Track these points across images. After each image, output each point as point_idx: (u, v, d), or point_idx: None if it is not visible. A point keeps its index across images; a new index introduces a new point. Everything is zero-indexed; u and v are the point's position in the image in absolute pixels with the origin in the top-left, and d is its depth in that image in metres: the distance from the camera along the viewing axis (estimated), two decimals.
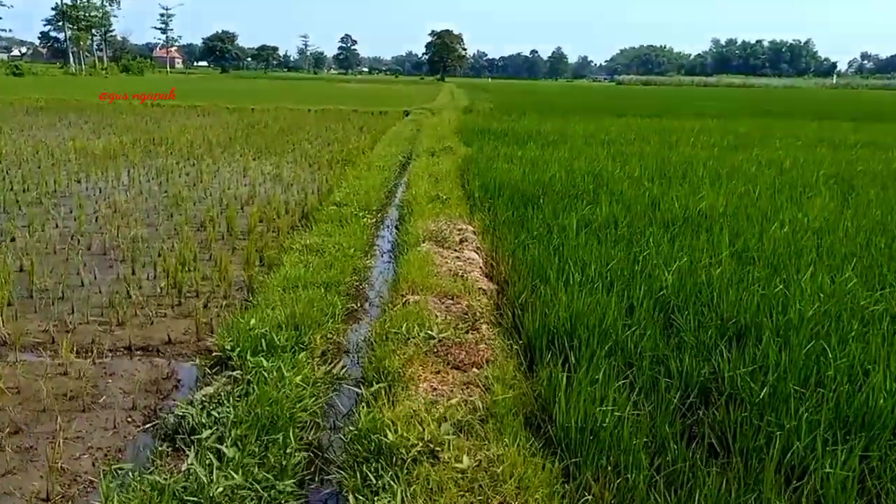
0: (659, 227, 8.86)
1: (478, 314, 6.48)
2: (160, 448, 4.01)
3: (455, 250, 8.87)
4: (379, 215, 11.49)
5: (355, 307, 7.22)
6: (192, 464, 3.50)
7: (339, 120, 29.92)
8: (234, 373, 4.82)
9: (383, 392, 4.69)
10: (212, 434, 3.87)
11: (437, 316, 6.31)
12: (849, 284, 6.37)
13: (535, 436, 4.19)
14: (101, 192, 12.92)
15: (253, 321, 5.39)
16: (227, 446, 3.72)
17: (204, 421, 4.07)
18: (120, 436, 4.59)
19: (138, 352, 6.13)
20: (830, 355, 4.71)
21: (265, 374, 4.62)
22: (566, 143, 18.72)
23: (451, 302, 6.81)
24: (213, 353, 5.37)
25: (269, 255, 8.49)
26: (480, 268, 8.32)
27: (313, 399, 4.68)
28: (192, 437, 3.90)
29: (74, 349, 5.92)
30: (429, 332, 5.80)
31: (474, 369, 5.32)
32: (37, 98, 38.89)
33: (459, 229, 9.78)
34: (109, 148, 18.21)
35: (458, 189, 12.47)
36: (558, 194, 11.12)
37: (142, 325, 6.63)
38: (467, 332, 6.06)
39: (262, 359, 4.83)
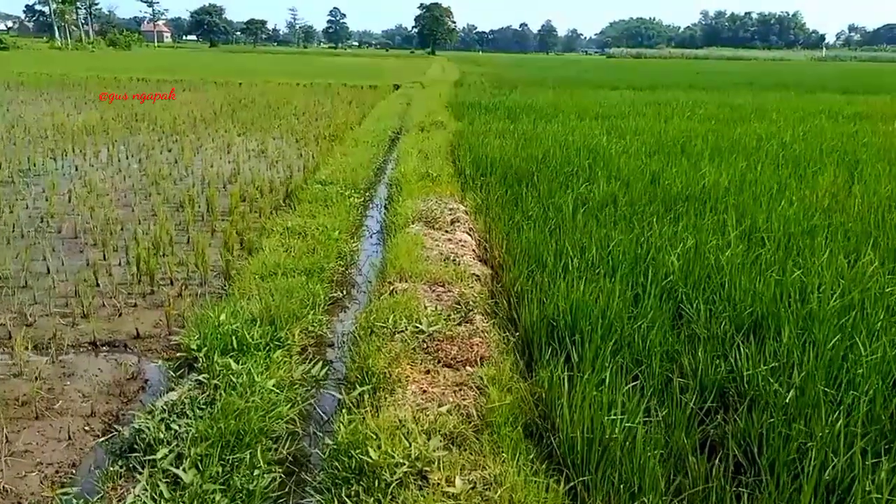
0: (660, 206, 8.40)
1: (471, 303, 6.01)
2: (112, 468, 3.54)
3: (446, 231, 8.40)
4: (367, 194, 10.98)
5: (339, 296, 6.75)
6: (137, 497, 3.04)
7: (328, 94, 29.22)
8: (201, 376, 4.34)
9: (366, 397, 4.25)
10: (169, 454, 3.41)
11: (427, 306, 5.85)
12: (869, 269, 5.93)
13: (536, 448, 3.75)
14: (77, 170, 12.35)
15: (223, 316, 4.91)
16: (184, 469, 3.27)
17: (162, 436, 3.61)
18: (75, 448, 4.12)
19: (104, 347, 5.66)
20: (862, 351, 4.27)
21: (234, 379, 4.15)
22: (559, 118, 18.17)
23: (442, 290, 6.34)
24: (180, 354, 4.89)
25: (250, 238, 7.99)
26: (473, 251, 7.85)
27: (289, 405, 4.22)
28: (146, 458, 3.44)
29: (32, 345, 5.45)
30: (417, 324, 5.35)
31: (467, 368, 4.86)
32: (18, 73, 37.94)
33: (451, 209, 9.29)
34: (89, 124, 17.57)
35: (448, 166, 11.96)
36: (553, 171, 10.63)
37: (109, 318, 6.15)
38: (460, 324, 5.60)
39: (231, 360, 4.35)
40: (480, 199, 9.55)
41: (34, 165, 12.36)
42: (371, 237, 9.01)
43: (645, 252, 6.53)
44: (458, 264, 7.09)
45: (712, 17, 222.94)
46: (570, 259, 6.28)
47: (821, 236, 6.99)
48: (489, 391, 4.33)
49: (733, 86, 36.04)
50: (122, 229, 8.81)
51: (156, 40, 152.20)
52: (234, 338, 4.70)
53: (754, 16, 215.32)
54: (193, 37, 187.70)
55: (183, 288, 6.86)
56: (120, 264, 7.50)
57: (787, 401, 3.87)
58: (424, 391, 4.48)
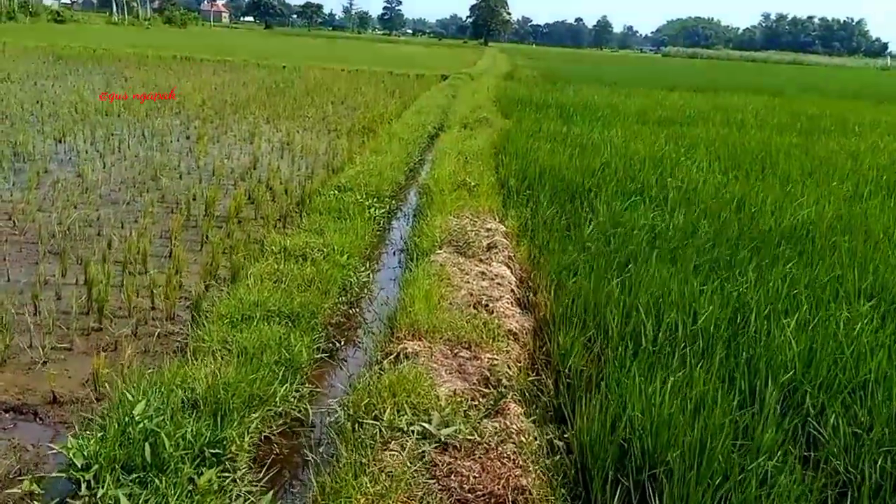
0: (752, 245, 6.65)
1: (504, 382, 4.41)
2: None
3: (480, 261, 6.79)
4: (392, 203, 9.40)
5: (331, 353, 5.19)
6: None
7: (371, 83, 27.70)
8: None
9: None
10: None
11: (443, 385, 4.26)
12: None
13: None
14: (78, 155, 11.01)
15: (141, 406, 3.36)
16: None
17: None
18: None
19: (7, 414, 4.20)
20: None
21: None
22: (617, 121, 16.35)
23: (466, 356, 4.74)
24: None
25: (237, 259, 6.46)
26: (512, 291, 6.23)
27: None
28: None
29: None
30: (426, 422, 3.75)
31: None
32: (63, 46, 37.22)
33: (488, 230, 7.68)
34: (109, 103, 16.31)
35: (490, 173, 10.31)
36: (614, 188, 8.93)
37: (29, 367, 4.70)
38: (487, 417, 4.01)
39: (123, 497, 2.80)
40: (525, 218, 7.92)
41: (30, 149, 11.04)
42: (388, 264, 7.43)
43: (742, 321, 4.84)
44: (492, 313, 5.50)
45: (773, 20, 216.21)
46: (643, 328, 4.62)
47: None
48: None
49: (801, 91, 33.56)
50: (98, 233, 7.39)
51: (212, 20, 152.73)
52: (146, 444, 3.15)
53: (816, 20, 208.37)
54: (250, 18, 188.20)
55: (139, 325, 5.38)
56: (77, 283, 6.05)
57: None
58: None
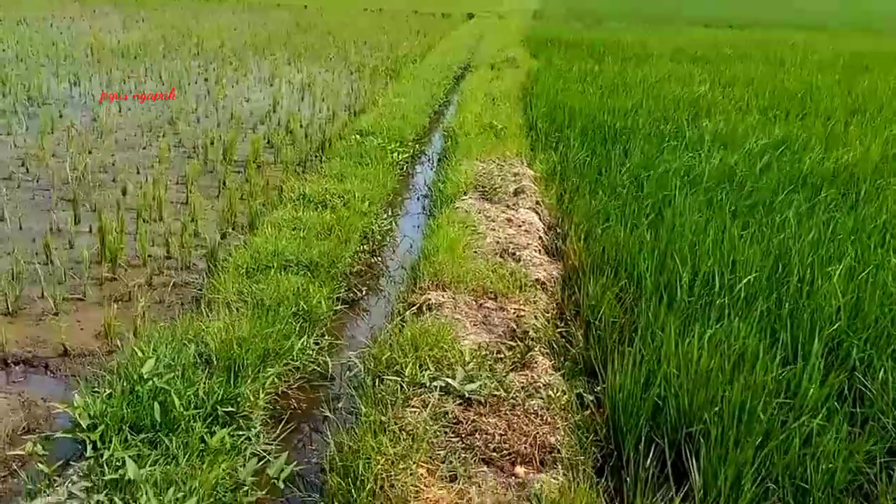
0: (793, 189, 6.31)
1: (532, 334, 4.20)
2: None
3: (508, 207, 6.53)
4: (416, 148, 9.11)
5: (352, 302, 5.00)
6: None
7: (396, 22, 27.06)
8: (80, 484, 2.66)
9: None
10: None
11: (467, 338, 4.06)
12: None
13: None
14: (93, 98, 10.81)
15: (150, 364, 3.20)
16: None
17: None
18: None
19: (17, 367, 4.09)
20: None
21: (124, 502, 2.46)
22: (650, 60, 15.74)
23: (492, 307, 4.53)
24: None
25: (255, 206, 6.26)
26: (540, 238, 5.98)
27: None
28: None
29: None
30: (449, 376, 3.56)
31: (518, 469, 3.08)
32: None
33: (515, 174, 7.39)
34: (127, 45, 16.03)
35: (517, 115, 9.95)
36: (646, 129, 8.55)
37: (40, 318, 4.57)
38: (513, 371, 3.81)
39: (130, 458, 2.64)
40: (554, 162, 7.61)
41: (44, 93, 10.85)
42: (411, 211, 7.18)
43: (783, 270, 4.56)
44: (519, 261, 5.26)
45: None
46: (677, 279, 4.36)
47: None
48: None
49: (844, 26, 32.20)
50: (113, 181, 7.21)
51: None
52: (154, 402, 3.00)
53: None
54: None
55: (154, 274, 5.21)
56: (90, 231, 5.90)
57: None
58: None
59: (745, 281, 4.25)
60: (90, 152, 8.02)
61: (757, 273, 4.43)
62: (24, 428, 3.48)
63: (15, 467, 3.02)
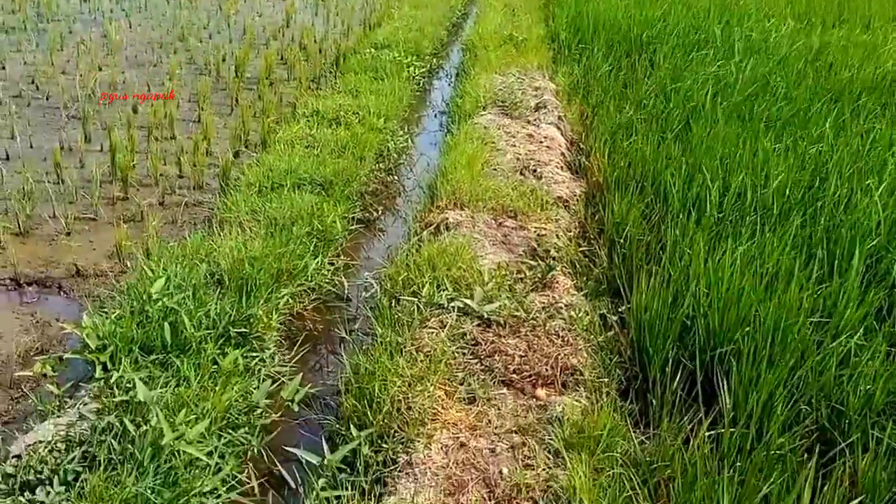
0: (829, 99, 6.00)
1: (553, 253, 4.05)
2: None
3: (528, 122, 6.30)
4: (433, 61, 8.79)
5: (367, 222, 4.86)
6: None
7: None
8: (91, 405, 2.59)
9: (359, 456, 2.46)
10: None
11: (486, 257, 3.93)
12: None
13: None
14: (103, 14, 10.48)
15: (160, 283, 3.09)
16: None
17: None
18: None
19: (30, 287, 4.03)
20: None
21: (132, 426, 2.37)
22: None
23: (512, 225, 4.38)
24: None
25: (267, 124, 6.07)
26: (562, 154, 5.77)
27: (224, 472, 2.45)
28: None
29: None
30: (466, 298, 3.44)
31: (539, 391, 2.99)
32: None
33: (536, 88, 7.11)
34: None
35: (539, 26, 9.55)
36: (675, 40, 8.15)
37: (52, 238, 4.49)
38: (534, 291, 3.68)
39: (140, 380, 2.55)
40: (577, 75, 7.30)
41: (54, 9, 10.55)
42: (428, 127, 6.95)
43: (820, 184, 4.34)
44: (540, 178, 5.08)
45: None
46: (707, 193, 4.16)
47: None
48: (572, 466, 2.46)
49: None
50: (123, 98, 7.02)
51: None
52: (164, 322, 2.91)
53: None
54: None
55: (166, 193, 5.10)
56: (101, 150, 5.76)
57: None
58: (462, 445, 2.65)
59: (778, 196, 4.04)
60: (100, 69, 7.81)
61: (791, 187, 4.22)
62: (37, 349, 3.44)
63: (24, 389, 2.97)
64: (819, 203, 4.07)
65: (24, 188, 4.90)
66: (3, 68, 7.67)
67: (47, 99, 6.89)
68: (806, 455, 2.48)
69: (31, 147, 5.77)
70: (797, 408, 2.65)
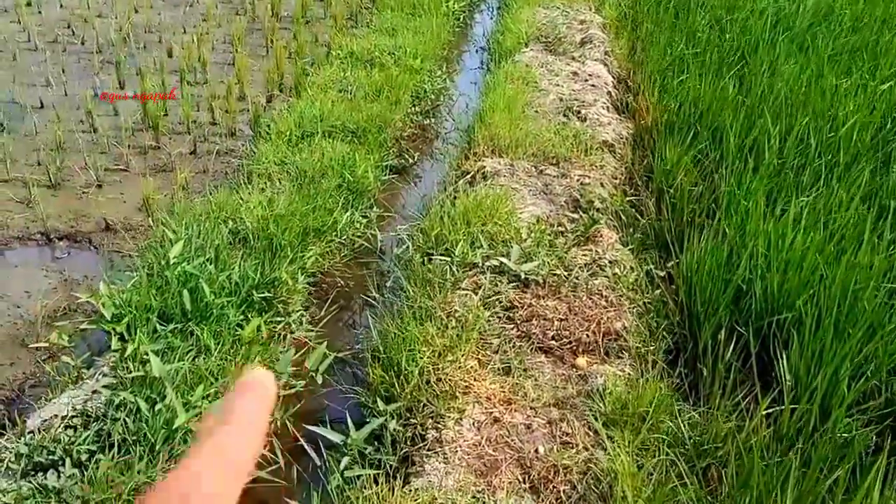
0: None
1: (597, 204, 3.81)
2: None
3: (573, 59, 5.94)
4: None
5: (398, 175, 4.63)
6: None
7: None
8: (105, 380, 2.49)
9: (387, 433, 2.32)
10: None
11: (525, 209, 3.71)
12: None
13: None
14: None
15: (178, 247, 2.94)
16: None
17: None
18: None
19: (61, 242, 3.96)
20: None
21: (144, 399, 2.25)
22: None
23: (553, 173, 4.12)
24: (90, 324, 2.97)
25: (300, 66, 5.84)
26: (609, 94, 5.43)
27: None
28: None
29: None
30: (502, 257, 3.24)
31: (580, 360, 2.80)
32: None
33: (582, 22, 6.71)
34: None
35: None
36: None
37: (82, 190, 4.39)
38: (576, 246, 3.46)
39: (154, 352, 2.41)
40: (625, 6, 6.87)
41: None
42: (468, 66, 6.64)
43: (892, 128, 3.96)
44: (584, 121, 4.79)
45: None
46: (766, 140, 3.83)
47: None
48: (613, 449, 2.28)
49: None
50: (158, 41, 6.86)
51: None
52: (185, 289, 2.78)
53: None
54: None
55: (198, 141, 4.96)
56: (134, 97, 5.63)
57: None
58: (496, 420, 2.49)
59: (845, 139, 3.70)
60: (136, 11, 7.63)
61: (860, 130, 3.87)
62: (63, 308, 3.37)
63: (39, 360, 2.89)
64: (892, 148, 3.72)
65: (56, 138, 4.82)
66: (40, 12, 7.55)
67: (83, 43, 6.75)
68: (877, 440, 2.26)
69: (66, 94, 5.66)
70: (868, 384, 2.41)
